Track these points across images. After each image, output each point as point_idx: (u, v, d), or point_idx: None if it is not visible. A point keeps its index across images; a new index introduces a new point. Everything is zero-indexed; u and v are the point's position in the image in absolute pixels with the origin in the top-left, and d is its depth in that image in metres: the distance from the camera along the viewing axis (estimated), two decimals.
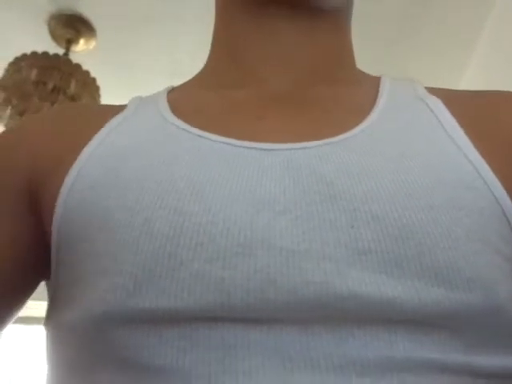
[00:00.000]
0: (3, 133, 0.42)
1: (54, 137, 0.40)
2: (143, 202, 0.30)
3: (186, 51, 1.95)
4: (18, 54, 1.76)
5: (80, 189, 0.33)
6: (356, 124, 0.36)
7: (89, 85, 1.81)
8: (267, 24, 0.44)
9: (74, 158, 0.36)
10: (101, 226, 0.30)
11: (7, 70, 1.74)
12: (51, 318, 0.34)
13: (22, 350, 2.82)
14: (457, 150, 0.33)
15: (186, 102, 0.42)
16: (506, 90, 0.41)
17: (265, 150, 0.34)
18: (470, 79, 1.94)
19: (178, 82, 0.50)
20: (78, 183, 0.34)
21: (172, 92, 0.46)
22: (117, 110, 0.43)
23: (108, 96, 1.93)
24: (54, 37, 1.91)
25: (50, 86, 1.69)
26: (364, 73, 0.48)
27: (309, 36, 0.44)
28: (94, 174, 0.34)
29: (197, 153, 0.34)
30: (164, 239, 0.28)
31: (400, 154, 0.33)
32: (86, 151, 0.36)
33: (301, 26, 0.44)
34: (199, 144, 0.35)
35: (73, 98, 1.73)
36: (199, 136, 0.36)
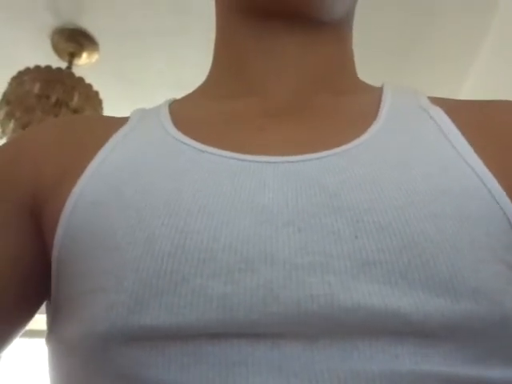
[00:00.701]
0: (4, 145, 0.42)
1: (57, 150, 0.39)
2: (145, 220, 0.30)
3: (189, 64, 1.96)
4: (22, 68, 1.77)
5: (83, 207, 0.33)
6: (358, 134, 0.36)
7: (92, 98, 1.83)
8: (268, 37, 0.44)
9: (78, 175, 0.35)
10: (103, 244, 0.30)
11: (10, 84, 1.75)
12: (52, 335, 0.33)
13: (26, 364, 2.81)
14: (460, 158, 0.33)
15: (187, 114, 0.42)
16: (507, 98, 0.41)
17: (267, 162, 0.33)
18: (471, 88, 1.95)
19: (180, 94, 0.50)
20: (81, 201, 0.33)
21: (173, 104, 0.46)
22: (119, 122, 0.42)
23: (111, 109, 1.93)
24: (57, 51, 1.93)
25: (53, 99, 1.70)
26: (365, 83, 0.48)
27: (309, 47, 0.44)
28: (97, 192, 0.33)
29: (199, 168, 0.34)
30: (166, 257, 0.28)
31: (403, 164, 0.33)
32: (90, 169, 0.36)
33: (301, 38, 0.44)
34: (201, 159, 0.35)
35: (76, 111, 1.74)
36: (201, 150, 0.36)
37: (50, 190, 0.36)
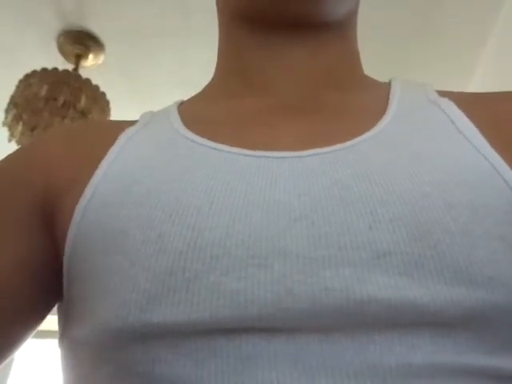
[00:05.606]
0: (15, 151, 0.42)
1: (67, 156, 0.40)
2: (157, 218, 0.30)
3: (195, 65, 1.96)
4: (28, 71, 1.78)
5: (95, 207, 0.33)
6: (368, 128, 0.36)
7: (99, 99, 1.83)
8: (272, 45, 0.44)
9: (89, 177, 0.36)
10: (115, 243, 0.30)
11: (18, 87, 1.76)
12: (64, 335, 0.34)
13: (38, 364, 2.83)
14: (473, 148, 0.33)
15: (196, 113, 0.42)
16: None
17: (277, 157, 0.33)
18: (480, 81, 1.93)
19: (187, 95, 0.51)
20: (92, 202, 0.34)
21: (182, 105, 0.46)
22: (128, 124, 0.43)
23: (118, 109, 1.94)
24: (64, 53, 1.94)
25: (61, 101, 1.71)
26: (372, 79, 0.48)
27: (315, 49, 0.44)
28: (109, 192, 0.34)
29: (209, 165, 0.34)
30: (178, 255, 0.28)
31: (415, 155, 0.32)
32: (100, 170, 0.36)
33: (306, 42, 0.44)
34: (212, 156, 0.35)
35: (83, 113, 1.75)
36: (211, 148, 0.35)
37: (61, 194, 0.37)
